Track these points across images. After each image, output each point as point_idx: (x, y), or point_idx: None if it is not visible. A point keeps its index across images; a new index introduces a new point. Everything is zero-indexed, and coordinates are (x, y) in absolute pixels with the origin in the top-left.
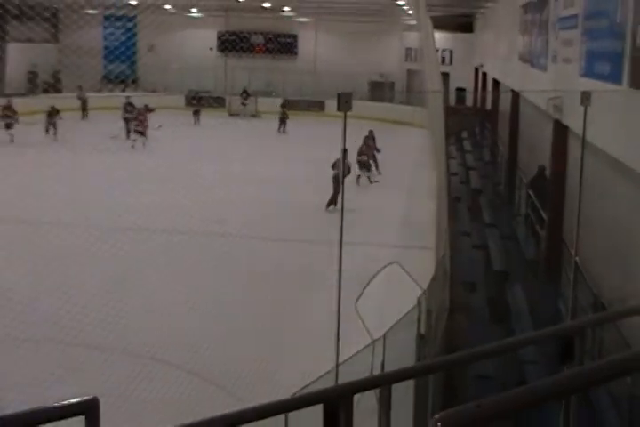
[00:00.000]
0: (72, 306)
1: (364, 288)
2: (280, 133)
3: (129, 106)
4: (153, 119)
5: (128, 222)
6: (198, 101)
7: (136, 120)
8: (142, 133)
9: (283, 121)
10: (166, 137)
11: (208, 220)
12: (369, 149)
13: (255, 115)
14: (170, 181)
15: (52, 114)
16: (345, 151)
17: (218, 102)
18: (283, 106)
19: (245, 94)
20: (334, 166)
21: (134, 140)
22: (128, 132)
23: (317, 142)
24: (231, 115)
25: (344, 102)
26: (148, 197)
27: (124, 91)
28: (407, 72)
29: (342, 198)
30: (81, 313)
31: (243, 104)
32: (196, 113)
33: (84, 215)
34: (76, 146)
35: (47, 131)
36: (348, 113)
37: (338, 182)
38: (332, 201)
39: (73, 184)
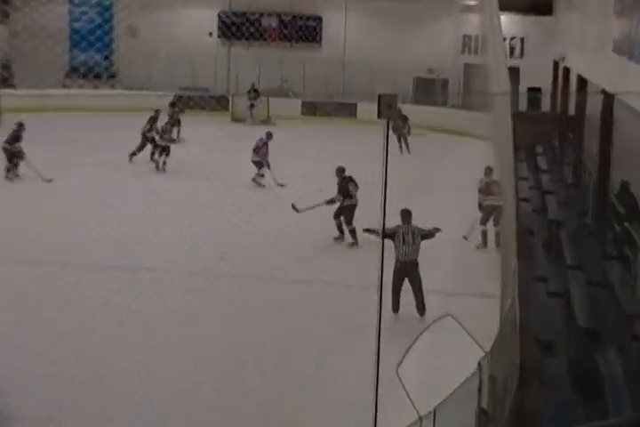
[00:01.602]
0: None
1: (409, 349)
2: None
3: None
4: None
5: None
6: (183, 104)
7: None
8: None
9: None
10: None
11: (208, 256)
12: None
13: (266, 120)
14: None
15: None
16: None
17: (219, 104)
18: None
19: (254, 93)
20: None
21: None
22: (153, 153)
23: (348, 157)
24: (235, 120)
25: (386, 107)
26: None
27: (97, 87)
28: (464, 67)
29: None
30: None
31: (251, 106)
32: (173, 123)
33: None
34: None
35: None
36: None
37: None
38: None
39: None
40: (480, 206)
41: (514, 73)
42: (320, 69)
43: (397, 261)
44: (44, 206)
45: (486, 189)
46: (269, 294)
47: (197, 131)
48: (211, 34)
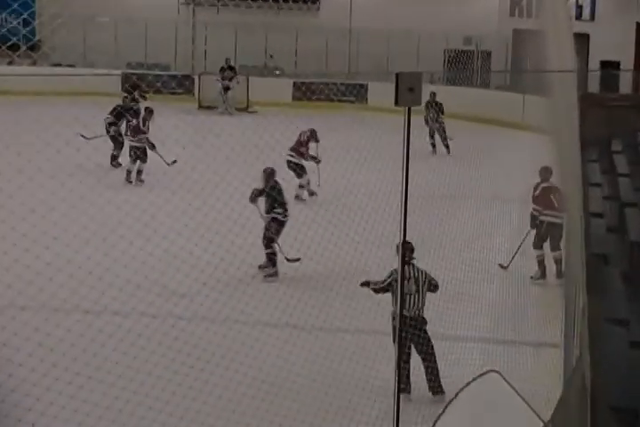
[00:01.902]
0: None
1: (441, 413)
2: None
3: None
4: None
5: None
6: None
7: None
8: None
9: None
10: None
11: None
12: None
13: (244, 108)
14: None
15: None
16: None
17: (182, 86)
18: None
19: (230, 72)
20: None
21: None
22: (115, 157)
23: (355, 157)
24: (203, 107)
25: (406, 90)
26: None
27: (10, 63)
28: (513, 34)
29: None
30: None
31: (224, 89)
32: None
33: None
34: None
35: None
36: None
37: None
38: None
39: None
40: (534, 222)
41: (582, 41)
42: (318, 41)
43: (394, 317)
44: None
45: (543, 199)
46: None
47: (154, 124)
48: None
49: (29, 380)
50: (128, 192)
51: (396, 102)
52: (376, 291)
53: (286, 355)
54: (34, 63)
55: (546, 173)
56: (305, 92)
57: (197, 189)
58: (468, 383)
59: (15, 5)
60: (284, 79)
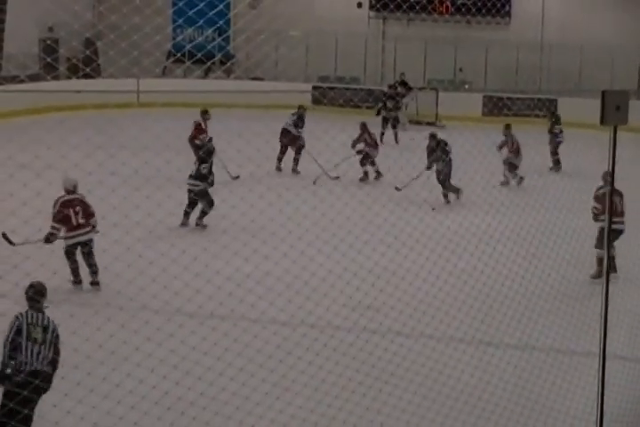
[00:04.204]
0: None
1: None
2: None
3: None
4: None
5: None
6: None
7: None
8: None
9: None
10: None
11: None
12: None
13: (433, 123)
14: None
15: None
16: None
17: (372, 99)
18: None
19: (402, 88)
20: None
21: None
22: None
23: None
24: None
25: (613, 108)
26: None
27: (208, 74)
28: None
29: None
30: None
31: (395, 104)
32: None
33: None
34: None
35: None
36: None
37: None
38: None
39: None
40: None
41: None
42: (508, 54)
43: None
44: None
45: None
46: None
47: None
48: (360, 4)
49: (229, 389)
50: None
51: (602, 121)
52: None
53: (480, 373)
54: (228, 73)
55: (606, 176)
56: (495, 107)
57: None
58: None
59: (221, 22)
60: (474, 93)
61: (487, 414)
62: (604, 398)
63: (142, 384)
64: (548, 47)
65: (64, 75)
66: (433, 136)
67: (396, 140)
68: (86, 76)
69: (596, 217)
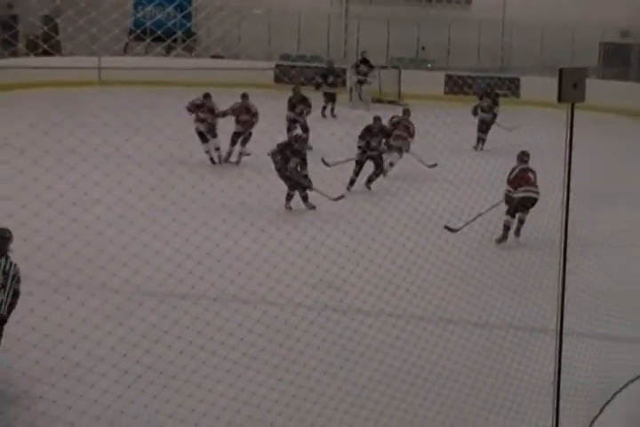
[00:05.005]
0: None
1: (598, 414)
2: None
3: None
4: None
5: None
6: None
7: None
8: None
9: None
10: None
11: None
12: None
13: (395, 101)
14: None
15: None
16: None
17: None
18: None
19: (363, 66)
20: None
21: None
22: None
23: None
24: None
25: (570, 86)
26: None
27: (168, 53)
28: None
29: None
30: None
31: (359, 82)
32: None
33: None
34: None
35: None
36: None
37: None
38: None
39: None
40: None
41: None
42: (471, 33)
43: None
44: None
45: (515, 180)
46: None
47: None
48: None
49: (189, 367)
50: None
51: (559, 99)
52: None
53: (440, 350)
54: (189, 51)
55: (523, 156)
56: (456, 85)
57: None
58: (626, 385)
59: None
60: (436, 72)
61: (447, 390)
62: (561, 373)
63: (102, 363)
64: (510, 25)
65: (22, 52)
66: (377, 119)
67: (333, 114)
68: (45, 53)
69: (509, 197)
